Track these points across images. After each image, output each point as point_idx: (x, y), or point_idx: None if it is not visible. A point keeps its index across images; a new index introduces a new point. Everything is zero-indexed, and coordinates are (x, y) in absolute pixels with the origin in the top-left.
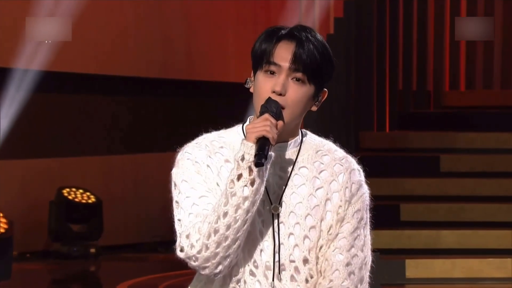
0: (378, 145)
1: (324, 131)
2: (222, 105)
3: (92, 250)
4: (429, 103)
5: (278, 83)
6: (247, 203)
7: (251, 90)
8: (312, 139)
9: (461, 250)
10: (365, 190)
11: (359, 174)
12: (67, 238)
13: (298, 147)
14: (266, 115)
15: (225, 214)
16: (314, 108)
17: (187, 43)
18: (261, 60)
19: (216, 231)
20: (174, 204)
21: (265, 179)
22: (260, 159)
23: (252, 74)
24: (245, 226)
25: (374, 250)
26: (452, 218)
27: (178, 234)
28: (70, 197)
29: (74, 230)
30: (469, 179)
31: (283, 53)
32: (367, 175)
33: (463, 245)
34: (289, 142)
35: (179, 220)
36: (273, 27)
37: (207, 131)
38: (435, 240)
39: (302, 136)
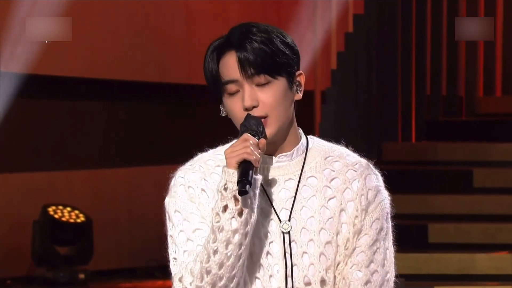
0: (403, 157)
1: (341, 142)
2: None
3: (81, 275)
4: (460, 110)
5: (244, 98)
6: (237, 237)
7: (229, 116)
8: (319, 145)
9: (497, 276)
10: (384, 196)
11: (376, 179)
12: (53, 262)
13: (304, 155)
14: (245, 136)
15: (215, 251)
16: (298, 97)
17: (187, 45)
18: (216, 84)
19: (208, 272)
20: (169, 239)
21: (255, 206)
22: (243, 186)
23: (221, 100)
24: (240, 261)
25: (399, 276)
26: (487, 240)
27: (173, 275)
28: (56, 216)
29: (61, 253)
30: (506, 196)
31: (230, 66)
32: (390, 191)
33: (499, 271)
34: (291, 151)
35: (174, 259)
36: (212, 43)
37: (202, 150)
38: (468, 264)
39: (308, 142)
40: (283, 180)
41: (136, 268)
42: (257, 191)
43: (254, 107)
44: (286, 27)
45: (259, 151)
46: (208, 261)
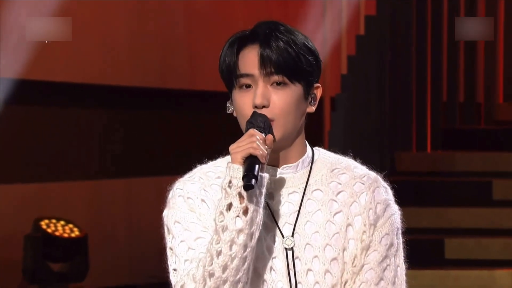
0: (418, 168)
1: (352, 153)
2: (231, 120)
3: None
4: (479, 118)
5: (257, 95)
6: (242, 237)
7: (235, 114)
8: (325, 157)
9: None
10: (394, 210)
11: (385, 192)
12: (46, 279)
13: (309, 167)
14: (251, 131)
15: (219, 253)
16: (310, 109)
17: (189, 48)
18: (230, 76)
19: (211, 275)
20: (168, 252)
21: (261, 205)
22: (249, 180)
23: (229, 96)
24: (246, 264)
25: None
26: (508, 255)
27: (173, 285)
28: (49, 230)
29: (54, 270)
30: None
31: (249, 60)
32: (404, 204)
33: None
34: (296, 163)
35: (174, 270)
36: (234, 35)
37: (201, 161)
38: (488, 282)
39: (313, 154)
40: (287, 193)
41: (135, 285)
42: (264, 190)
43: (264, 106)
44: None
45: (266, 147)
46: (211, 263)
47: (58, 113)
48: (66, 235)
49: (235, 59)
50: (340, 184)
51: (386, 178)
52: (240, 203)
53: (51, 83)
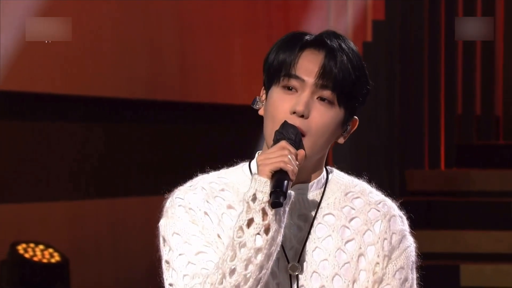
0: (431, 187)
1: (359, 170)
2: (226, 135)
3: None
4: (497, 132)
5: (300, 102)
6: (260, 257)
7: (261, 112)
8: (339, 178)
9: None
10: (410, 242)
11: (401, 222)
12: None
13: (322, 189)
14: (283, 143)
15: (233, 271)
16: (341, 140)
17: (180, 54)
18: (279, 72)
19: None
20: (164, 265)
21: (283, 225)
22: (277, 197)
23: (262, 91)
24: (258, 287)
25: None
26: None
27: None
28: (27, 255)
29: None
30: None
31: (309, 65)
32: (416, 226)
33: None
34: (310, 183)
35: (170, 285)
36: (295, 32)
37: (203, 170)
38: None
39: (327, 175)
40: (297, 215)
41: None
42: (287, 208)
43: (302, 116)
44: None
45: (297, 163)
46: (222, 282)
47: (36, 127)
48: (45, 260)
49: (294, 57)
50: (354, 209)
51: (396, 198)
52: (263, 220)
53: (26, 94)
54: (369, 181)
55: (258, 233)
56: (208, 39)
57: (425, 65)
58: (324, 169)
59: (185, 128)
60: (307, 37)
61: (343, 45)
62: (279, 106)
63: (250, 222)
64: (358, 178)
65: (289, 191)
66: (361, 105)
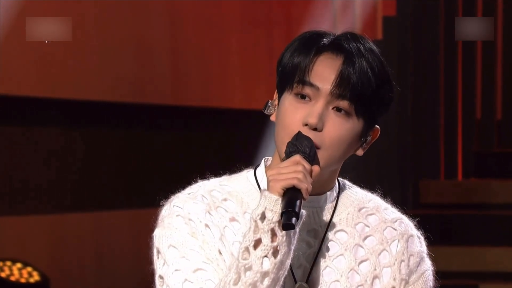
0: (447, 199)
1: (367, 180)
2: (222, 142)
3: None
4: None
5: (313, 113)
6: (267, 281)
7: (273, 118)
8: (352, 193)
9: None
10: (428, 266)
11: (419, 243)
12: None
13: (334, 203)
14: (297, 157)
15: None
16: (359, 152)
17: (172, 53)
18: (292, 77)
19: None
20: (157, 281)
21: (293, 247)
22: (289, 218)
23: (275, 95)
24: None
25: None
26: None
27: None
28: (3, 275)
29: None
30: None
31: (325, 71)
32: (430, 243)
33: None
34: (322, 196)
35: None
36: (311, 32)
37: (203, 176)
38: None
39: (339, 188)
40: (306, 230)
41: None
42: (298, 229)
43: (315, 129)
44: (297, 33)
45: (311, 180)
46: None
47: (11, 133)
48: (23, 280)
49: (308, 62)
50: (368, 227)
51: (409, 211)
52: (272, 242)
53: (2, 97)
54: (384, 196)
55: (266, 256)
56: (202, 37)
57: (440, 66)
58: (337, 182)
59: (176, 134)
60: (325, 40)
61: (363, 49)
62: (291, 116)
63: (257, 243)
64: (372, 193)
65: (301, 211)
66: (383, 114)
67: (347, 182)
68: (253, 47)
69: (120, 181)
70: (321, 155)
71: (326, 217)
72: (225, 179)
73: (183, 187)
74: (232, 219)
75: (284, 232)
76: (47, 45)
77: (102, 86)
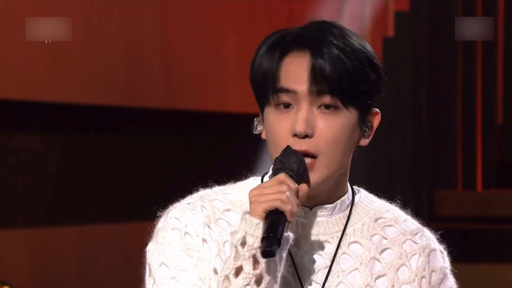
0: (466, 211)
1: (379, 191)
2: (218, 148)
3: None
4: None
5: (299, 121)
6: None
7: (263, 136)
8: (368, 201)
9: None
10: (451, 283)
11: (442, 258)
12: None
13: (348, 212)
14: (282, 176)
15: None
16: (364, 142)
17: (164, 53)
18: (265, 89)
19: None
20: None
21: (279, 274)
22: (269, 245)
23: (260, 113)
24: None
25: None
26: None
27: None
28: None
29: None
30: None
31: (296, 72)
32: (451, 259)
33: None
34: (333, 205)
35: None
36: (276, 32)
37: (205, 185)
38: None
39: (353, 195)
40: (317, 242)
41: None
42: (285, 254)
43: (306, 136)
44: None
45: (298, 201)
46: None
47: None
48: None
49: (276, 67)
50: (386, 239)
51: (423, 225)
52: (254, 269)
53: None
54: (403, 207)
55: (248, 284)
56: (197, 35)
57: (458, 65)
58: (350, 188)
59: (169, 140)
60: (288, 38)
61: (329, 34)
62: (277, 130)
63: (238, 270)
64: (390, 203)
65: (286, 234)
66: (376, 95)
67: (362, 190)
68: (252, 46)
69: (106, 191)
70: (321, 162)
71: (338, 227)
72: (229, 187)
73: (175, 198)
74: (234, 233)
75: (265, 259)
76: (28, 45)
77: (88, 88)
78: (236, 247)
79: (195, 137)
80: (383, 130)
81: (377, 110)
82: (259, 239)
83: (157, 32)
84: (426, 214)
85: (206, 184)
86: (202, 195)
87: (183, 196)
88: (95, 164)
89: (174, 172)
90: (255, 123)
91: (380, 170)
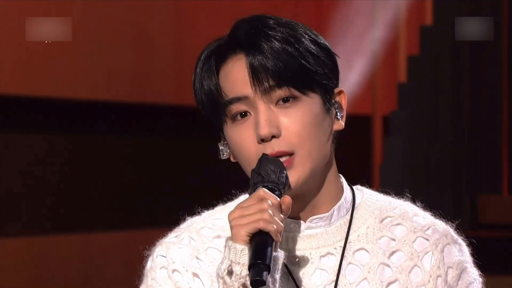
0: (511, 218)
1: (416, 196)
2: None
3: None
4: None
5: (260, 123)
6: None
7: (233, 159)
8: (372, 200)
9: None
10: (473, 277)
11: (459, 251)
12: None
13: (348, 217)
14: (261, 192)
15: None
16: (339, 125)
17: (176, 46)
18: (214, 107)
19: None
20: None
21: None
22: (259, 274)
23: (221, 136)
24: None
25: None
26: None
27: None
28: None
29: None
30: None
31: (238, 76)
32: (490, 271)
33: None
34: (329, 213)
35: None
36: (207, 46)
37: (192, 212)
38: None
39: (354, 197)
40: (318, 256)
41: None
42: (278, 276)
43: (273, 137)
44: (324, 26)
45: (282, 216)
46: None
47: None
48: None
49: (216, 80)
50: (394, 240)
51: (463, 231)
52: None
53: None
54: (413, 200)
55: None
56: (210, 27)
57: (503, 59)
58: (349, 188)
59: (180, 138)
60: (218, 45)
61: (265, 26)
62: (241, 142)
63: None
64: (399, 198)
65: (275, 254)
66: (333, 75)
67: (365, 189)
68: None
69: (111, 196)
70: (299, 157)
71: (340, 236)
72: (218, 211)
73: (185, 203)
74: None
75: None
76: (29, 43)
77: (95, 82)
78: (222, 278)
79: (207, 135)
80: (419, 129)
81: (341, 89)
82: (246, 267)
83: (168, 22)
84: (467, 221)
85: (193, 212)
86: (189, 224)
87: (191, 202)
88: (99, 166)
89: (185, 171)
90: (221, 148)
91: (415, 173)
